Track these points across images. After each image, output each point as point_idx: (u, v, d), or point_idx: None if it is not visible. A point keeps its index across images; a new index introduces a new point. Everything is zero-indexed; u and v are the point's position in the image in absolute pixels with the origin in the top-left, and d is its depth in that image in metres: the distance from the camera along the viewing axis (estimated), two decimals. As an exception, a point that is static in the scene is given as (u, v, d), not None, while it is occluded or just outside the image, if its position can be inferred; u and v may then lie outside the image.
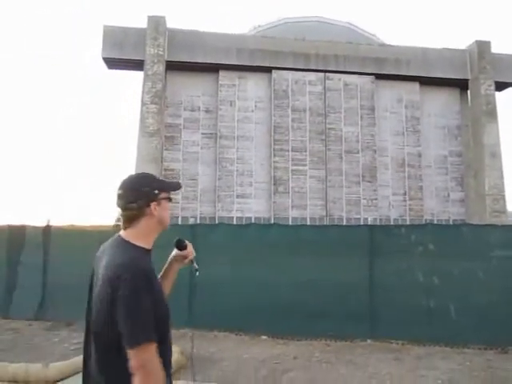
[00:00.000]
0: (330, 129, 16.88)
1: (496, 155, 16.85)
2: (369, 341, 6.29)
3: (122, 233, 1.74)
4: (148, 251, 1.71)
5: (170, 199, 1.79)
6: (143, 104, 15.79)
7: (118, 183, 1.71)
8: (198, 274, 2.00)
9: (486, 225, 11.51)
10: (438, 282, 6.50)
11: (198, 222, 14.75)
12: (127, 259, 1.56)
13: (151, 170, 15.22)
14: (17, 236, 8.56)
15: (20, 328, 7.39)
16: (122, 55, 16.31)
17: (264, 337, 6.80)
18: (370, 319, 6.44)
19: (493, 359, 5.78)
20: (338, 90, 17.17)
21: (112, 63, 16.90)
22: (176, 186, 1.86)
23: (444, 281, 6.50)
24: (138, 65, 16.49)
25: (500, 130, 17.20)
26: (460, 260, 6.49)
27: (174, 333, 6.43)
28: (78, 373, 5.18)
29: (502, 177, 16.77)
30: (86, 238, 7.90)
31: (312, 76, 17.05)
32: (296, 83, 16.97)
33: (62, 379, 5.00)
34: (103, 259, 1.66)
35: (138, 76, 17.67)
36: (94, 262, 1.74)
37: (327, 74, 17.10)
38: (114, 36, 16.13)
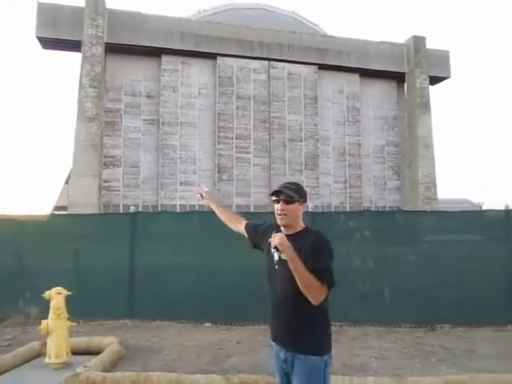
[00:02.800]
0: (273, 117, 17.03)
1: (429, 146, 17.81)
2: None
3: None
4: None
5: (273, 201, 2.41)
6: (81, 87, 15.08)
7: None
8: (276, 267, 2.24)
9: (418, 211, 12.17)
10: (373, 266, 6.83)
11: (140, 210, 14.42)
12: None
13: (90, 156, 14.66)
14: None
15: None
16: (57, 35, 15.41)
17: (207, 324, 6.84)
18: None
19: (422, 336, 6.20)
20: (282, 78, 17.32)
21: (47, 43, 15.94)
22: (272, 192, 2.44)
23: (379, 265, 6.84)
24: (75, 46, 15.68)
25: (432, 121, 18.19)
26: (393, 245, 6.86)
27: (114, 323, 6.33)
28: (12, 368, 4.97)
29: (433, 166, 17.77)
30: (13, 229, 7.53)
31: (256, 64, 17.06)
32: (241, 70, 16.92)
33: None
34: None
35: (76, 57, 16.83)
36: None
37: (271, 62, 17.18)
38: (49, 14, 15.19)
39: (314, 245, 2.24)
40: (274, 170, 16.77)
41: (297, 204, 2.35)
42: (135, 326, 6.63)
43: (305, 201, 2.42)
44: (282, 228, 2.38)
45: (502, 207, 7.07)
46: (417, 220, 7.69)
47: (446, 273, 6.77)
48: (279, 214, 2.35)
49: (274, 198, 2.39)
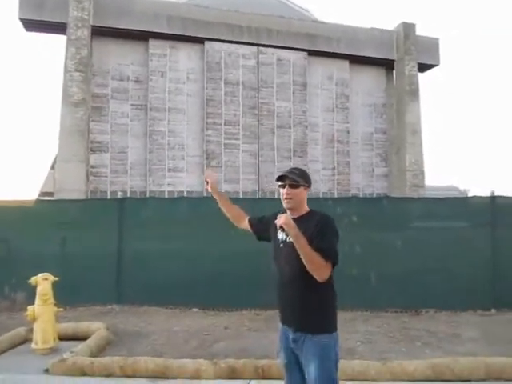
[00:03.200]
0: (262, 103, 16.93)
1: (417, 133, 17.89)
2: (296, 309, 6.58)
3: None
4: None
5: (279, 186, 2.53)
6: (66, 71, 14.79)
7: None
8: (282, 245, 2.43)
9: (405, 197, 12.28)
10: (360, 251, 6.89)
11: (128, 196, 14.31)
12: None
13: (76, 142, 14.46)
14: None
15: None
16: (41, 17, 15.05)
17: (195, 309, 6.86)
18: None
19: (407, 321, 6.30)
20: (271, 64, 17.18)
21: (30, 25, 15.56)
22: (277, 178, 2.57)
23: (366, 250, 6.90)
24: (60, 28, 15.32)
25: (421, 109, 18.25)
26: (381, 231, 6.92)
27: (101, 309, 6.32)
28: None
29: (421, 153, 17.89)
30: (3, 213, 7.44)
31: (245, 49, 16.89)
32: (229, 56, 16.75)
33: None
34: None
35: (61, 40, 16.45)
36: None
37: (260, 47, 17.01)
38: (32, -5, 14.82)
39: (318, 224, 2.35)
40: (262, 157, 16.74)
41: (302, 188, 2.47)
42: (123, 312, 6.63)
43: (309, 185, 2.56)
44: (287, 212, 2.46)
45: (487, 194, 7.15)
46: (404, 206, 7.76)
47: (432, 258, 6.87)
48: (285, 198, 2.46)
49: (279, 182, 2.52)
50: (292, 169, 2.55)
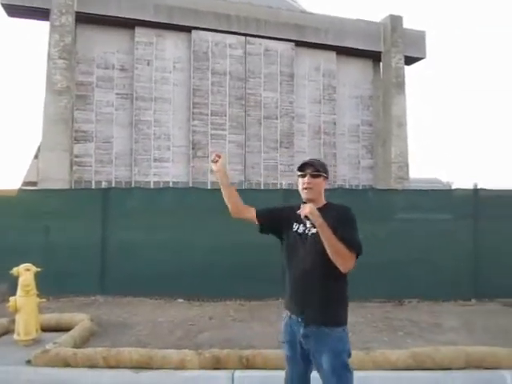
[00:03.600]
0: (249, 94, 16.86)
1: (402, 125, 18.03)
2: (280, 299, 6.61)
3: None
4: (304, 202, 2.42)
5: (299, 176, 2.47)
6: (50, 59, 14.51)
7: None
8: (302, 236, 2.40)
9: (390, 189, 12.39)
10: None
11: (113, 186, 14.17)
12: None
13: (60, 131, 14.24)
14: None
15: None
16: (24, 2, 14.72)
17: (180, 300, 6.85)
18: (283, 279, 6.72)
19: (390, 311, 6.38)
20: (259, 54, 17.09)
21: (13, 10, 15.22)
22: (298, 167, 2.48)
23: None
24: (43, 14, 15.02)
25: (407, 101, 18.38)
26: (365, 222, 6.95)
27: (85, 300, 6.25)
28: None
29: (406, 146, 18.05)
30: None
31: (233, 39, 16.76)
32: (216, 45, 16.60)
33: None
34: None
35: (45, 26, 16.11)
36: None
37: (248, 37, 16.90)
38: (14, -21, 14.45)
39: (339, 215, 2.35)
40: (249, 148, 16.71)
41: (321, 179, 2.45)
42: (107, 303, 6.59)
43: (328, 177, 2.52)
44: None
45: (470, 187, 7.25)
46: (388, 198, 7.83)
47: (416, 250, 6.96)
48: (305, 188, 2.42)
49: (299, 172, 2.47)
50: (312, 159, 2.53)
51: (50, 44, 14.55)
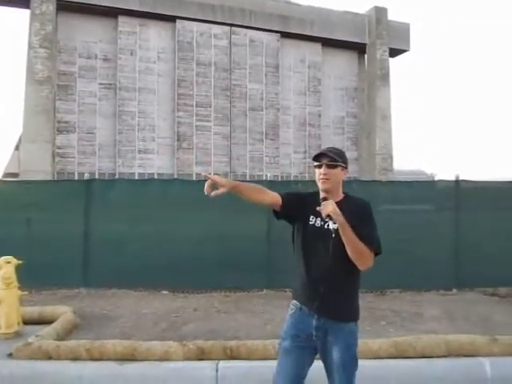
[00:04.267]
0: (234, 85, 16.77)
1: (386, 117, 18.16)
2: (265, 290, 6.64)
3: None
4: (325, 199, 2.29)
5: (315, 166, 2.35)
6: (30, 47, 14.21)
7: None
8: (333, 235, 2.21)
9: (374, 180, 12.50)
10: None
11: (97, 178, 14.01)
12: None
13: (42, 122, 13.99)
14: None
15: None
16: (3, -11, 14.36)
17: (165, 292, 6.83)
18: (268, 270, 6.76)
19: (373, 301, 6.45)
20: (244, 45, 16.99)
21: (-8, -3, 14.85)
22: (314, 157, 2.37)
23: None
24: (24, 1, 14.68)
25: (391, 93, 18.49)
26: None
27: (67, 292, 6.17)
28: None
29: (390, 137, 18.20)
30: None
31: (218, 29, 16.62)
32: (201, 36, 16.44)
33: None
34: None
35: (25, 15, 15.74)
36: None
37: (233, 28, 16.77)
38: (-8, -35, 14.08)
39: (359, 212, 2.28)
40: (234, 139, 16.66)
41: (339, 169, 2.33)
42: (90, 295, 6.54)
43: (347, 167, 2.37)
44: (321, 194, 2.34)
45: (452, 178, 7.35)
46: (373, 189, 7.88)
47: (398, 240, 7.02)
48: (321, 179, 2.31)
49: (316, 162, 2.35)
50: (329, 148, 2.38)
51: (30, 32, 14.24)
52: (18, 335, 4.80)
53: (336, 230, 2.19)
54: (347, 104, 18.80)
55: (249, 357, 4.11)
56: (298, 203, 2.43)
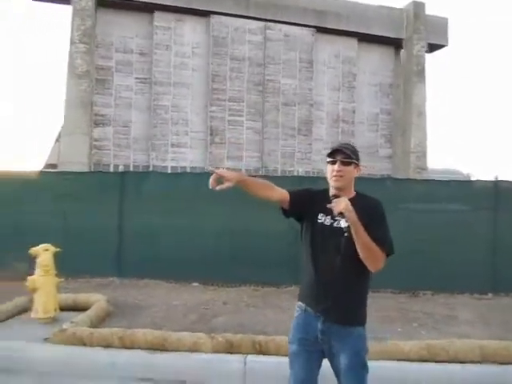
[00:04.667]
0: (268, 80, 16.72)
1: (422, 115, 17.70)
2: (293, 286, 6.62)
3: None
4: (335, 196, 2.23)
5: (328, 162, 2.29)
6: (72, 43, 14.60)
7: None
8: (345, 234, 2.13)
9: (408, 179, 12.23)
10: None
11: (131, 170, 14.30)
12: None
13: (80, 115, 14.38)
14: None
15: None
16: (45, -15, 14.81)
17: (195, 284, 6.93)
18: (296, 266, 6.72)
19: (404, 302, 6.35)
20: (278, 40, 16.89)
21: (35, -6, 15.34)
22: (328, 153, 2.33)
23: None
24: (64, -2, 15.10)
25: (427, 90, 18.01)
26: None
27: (101, 281, 6.35)
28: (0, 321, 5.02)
29: (425, 135, 17.74)
30: (4, 184, 7.47)
31: (252, 24, 16.58)
32: (235, 31, 16.45)
33: None
34: None
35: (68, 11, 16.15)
36: None
37: (268, 23, 16.70)
38: (36, -37, 14.53)
39: (370, 211, 2.21)
40: (266, 134, 16.63)
41: (353, 166, 2.27)
42: (123, 285, 6.70)
43: (359, 164, 2.33)
44: (331, 191, 2.27)
45: (490, 178, 7.11)
46: (407, 188, 7.73)
47: (433, 241, 6.87)
48: (334, 176, 2.24)
49: (329, 158, 2.29)
50: (343, 144, 2.34)
51: (72, 28, 14.63)
52: (54, 320, 4.98)
53: (348, 228, 2.10)
54: (381, 100, 18.43)
55: (277, 352, 4.12)
56: (306, 200, 2.36)
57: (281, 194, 2.33)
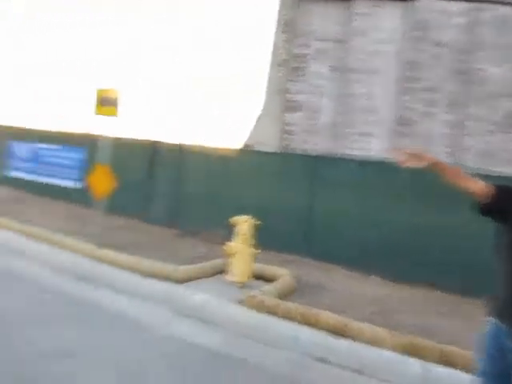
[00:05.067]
0: (472, 69, 15.08)
1: None
2: (483, 298, 5.93)
3: None
4: None
5: None
6: (276, 32, 15.57)
7: None
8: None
9: None
10: None
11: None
12: None
13: (276, 101, 15.30)
14: (156, 151, 9.46)
15: (153, 232, 8.38)
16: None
17: (376, 276, 6.77)
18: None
19: None
20: (490, 23, 15.02)
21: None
22: None
23: None
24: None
25: None
26: None
27: (288, 257, 6.64)
28: (200, 278, 5.76)
29: None
30: (211, 159, 8.48)
31: (457, 6, 15.06)
32: (438, 14, 15.20)
33: (186, 281, 5.63)
34: None
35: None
36: None
37: (478, 4, 14.96)
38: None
39: None
40: (466, 129, 15.12)
41: None
42: (308, 264, 6.92)
43: None
44: None
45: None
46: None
47: None
48: None
49: None
50: None
51: (279, 18, 15.56)
52: (246, 286, 5.50)
53: None
54: None
55: (463, 367, 3.79)
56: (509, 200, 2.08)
57: (482, 186, 2.11)
